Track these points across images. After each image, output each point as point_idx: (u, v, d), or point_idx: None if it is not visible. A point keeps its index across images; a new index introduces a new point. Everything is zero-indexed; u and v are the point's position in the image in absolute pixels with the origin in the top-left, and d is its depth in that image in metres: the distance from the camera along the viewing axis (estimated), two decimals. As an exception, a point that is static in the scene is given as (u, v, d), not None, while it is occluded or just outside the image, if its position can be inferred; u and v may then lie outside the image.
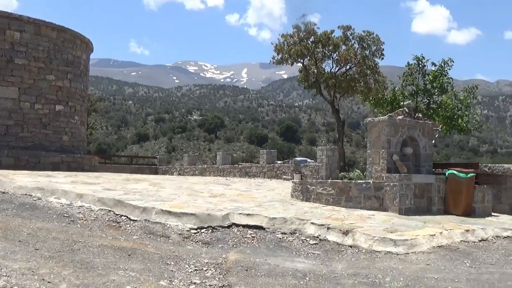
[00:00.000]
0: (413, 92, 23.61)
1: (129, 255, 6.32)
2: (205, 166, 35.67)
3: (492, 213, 12.56)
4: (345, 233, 8.16)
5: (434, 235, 8.34)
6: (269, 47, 23.09)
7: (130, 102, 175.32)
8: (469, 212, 11.85)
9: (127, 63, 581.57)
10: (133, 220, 8.70)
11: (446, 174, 12.23)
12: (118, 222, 8.59)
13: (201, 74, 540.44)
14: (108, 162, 39.01)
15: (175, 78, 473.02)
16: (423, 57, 23.73)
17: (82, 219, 8.53)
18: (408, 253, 7.39)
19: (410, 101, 16.06)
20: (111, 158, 45.02)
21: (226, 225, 8.58)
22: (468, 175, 11.96)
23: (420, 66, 23.73)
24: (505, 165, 13.75)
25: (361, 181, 12.17)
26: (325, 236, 8.20)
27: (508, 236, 9.18)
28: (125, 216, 8.89)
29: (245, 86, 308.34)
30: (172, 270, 5.93)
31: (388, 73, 30.87)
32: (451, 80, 24.03)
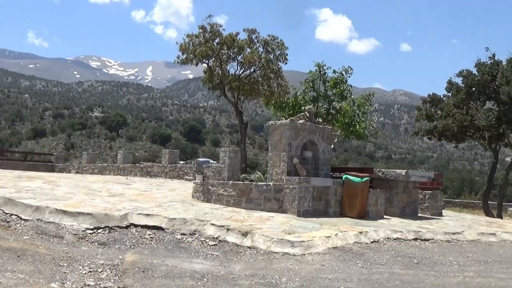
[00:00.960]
0: (314, 97, 24.29)
1: (18, 256, 6.02)
2: (105, 164, 34.70)
3: (384, 216, 13.17)
4: (244, 234, 8.23)
5: (330, 236, 8.61)
6: (175, 46, 22.81)
7: (27, 95, 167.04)
8: (363, 215, 12.35)
9: (24, 55, 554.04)
10: (24, 219, 8.29)
11: (343, 178, 12.67)
12: (7, 222, 8.15)
13: (104, 70, 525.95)
14: (0, 158, 37.00)
15: (76, 73, 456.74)
16: (324, 64, 24.48)
17: (-32, 218, 8.02)
18: (305, 254, 7.57)
19: (311, 106, 16.50)
20: (3, 154, 42.70)
21: (124, 226, 8.39)
22: (363, 180, 12.46)
23: (321, 73, 24.46)
24: (397, 170, 14.45)
25: (262, 183, 12.34)
26: (225, 237, 8.22)
27: (397, 238, 9.65)
28: (15, 215, 8.46)
29: (149, 85, 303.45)
30: (65, 272, 5.71)
31: (292, 78, 31.50)
32: (350, 87, 24.96)
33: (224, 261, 7.04)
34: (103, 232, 8.04)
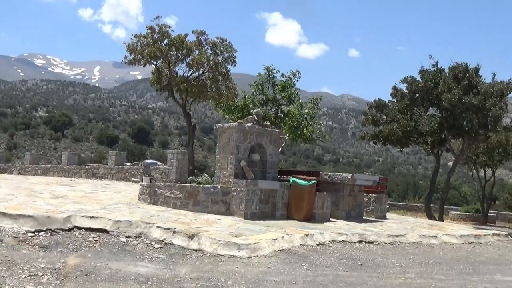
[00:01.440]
0: (263, 101, 24.36)
1: (-47, 260, 5.80)
2: (49, 165, 33.87)
3: (331, 219, 13.34)
4: (191, 237, 8.18)
5: (276, 239, 8.66)
6: (123, 46, 22.44)
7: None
8: (309, 218, 12.47)
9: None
10: (-39, 222, 7.99)
11: (290, 181, 12.77)
12: None
13: (49, 69, 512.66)
14: None
15: (20, 71, 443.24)
16: (273, 67, 24.59)
17: None
18: (251, 257, 7.59)
19: (259, 109, 16.55)
20: None
21: (67, 228, 8.20)
22: (310, 183, 12.59)
23: (270, 76, 24.56)
24: (343, 174, 14.69)
25: (209, 185, 12.31)
26: (171, 240, 8.16)
27: (343, 241, 9.81)
28: (-48, 217, 8.14)
29: (96, 85, 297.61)
30: (4, 276, 5.54)
31: (243, 81, 31.55)
32: (298, 91, 25.17)
33: (169, 264, 6.98)
34: (44, 235, 7.83)
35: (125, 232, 8.37)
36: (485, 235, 13.58)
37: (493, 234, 13.93)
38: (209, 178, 14.04)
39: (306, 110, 24.97)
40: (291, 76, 24.54)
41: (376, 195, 16.81)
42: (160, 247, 7.86)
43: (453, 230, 14.04)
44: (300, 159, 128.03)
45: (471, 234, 13.17)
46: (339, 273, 7.23)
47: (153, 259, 7.25)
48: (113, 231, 8.36)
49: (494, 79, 22.19)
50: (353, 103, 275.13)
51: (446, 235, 12.49)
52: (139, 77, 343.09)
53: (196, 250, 7.79)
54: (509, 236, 14.65)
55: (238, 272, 6.69)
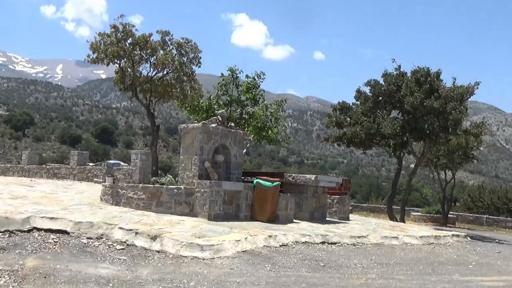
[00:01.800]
0: (228, 101, 24.30)
1: None
2: (9, 165, 33.15)
3: (294, 220, 13.42)
4: (153, 238, 8.12)
5: (239, 240, 8.66)
6: (87, 44, 22.04)
7: None
8: (273, 219, 12.52)
9: None
10: None
11: (254, 182, 12.79)
12: None
13: (10, 67, 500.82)
14: None
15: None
16: (236, 68, 24.53)
17: None
18: (214, 258, 7.58)
19: (223, 110, 16.52)
20: None
21: (26, 229, 8.04)
22: (274, 184, 12.64)
23: (234, 77, 24.49)
24: (307, 175, 14.77)
25: (173, 186, 12.24)
26: (133, 241, 8.08)
27: (306, 242, 9.87)
28: None
29: (59, 83, 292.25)
30: (-42, 279, 5.40)
31: (209, 82, 31.41)
32: (263, 92, 25.17)
33: (131, 266, 6.91)
34: (2, 236, 7.66)
35: (86, 234, 8.26)
36: (445, 236, 13.86)
37: (453, 235, 14.23)
38: (173, 179, 13.95)
39: (271, 111, 25.03)
40: (256, 77, 24.55)
41: (339, 196, 16.97)
42: (122, 249, 7.78)
43: (414, 231, 14.28)
44: (265, 161, 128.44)
45: (431, 235, 13.42)
46: (302, 274, 7.28)
47: (115, 260, 7.17)
48: (73, 232, 8.24)
49: (455, 84, 22.59)
50: (318, 105, 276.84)
51: (407, 236, 12.70)
52: (103, 76, 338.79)
53: (158, 252, 7.73)
54: (468, 237, 15.00)
55: (201, 273, 6.67)
